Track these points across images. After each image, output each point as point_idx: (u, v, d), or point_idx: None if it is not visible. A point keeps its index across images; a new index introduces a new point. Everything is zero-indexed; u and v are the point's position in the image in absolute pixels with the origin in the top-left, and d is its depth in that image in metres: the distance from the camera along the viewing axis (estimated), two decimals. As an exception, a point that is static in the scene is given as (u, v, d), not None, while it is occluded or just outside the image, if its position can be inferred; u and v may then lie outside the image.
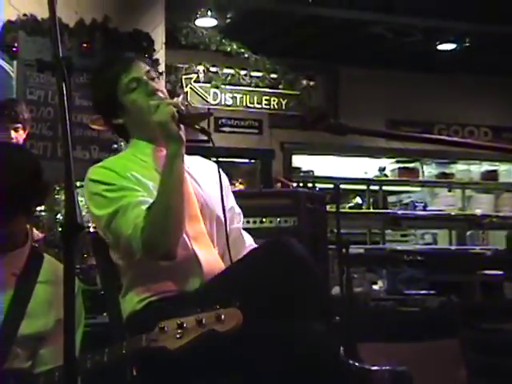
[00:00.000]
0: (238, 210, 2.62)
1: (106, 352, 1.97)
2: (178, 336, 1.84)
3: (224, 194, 2.43)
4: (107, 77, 2.47)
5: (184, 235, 2.29)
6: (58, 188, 3.41)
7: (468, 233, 9.19)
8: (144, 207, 2.22)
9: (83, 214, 3.77)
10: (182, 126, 2.26)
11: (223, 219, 2.41)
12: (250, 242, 2.58)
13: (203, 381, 2.11)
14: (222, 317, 1.83)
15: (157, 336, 1.87)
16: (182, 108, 2.26)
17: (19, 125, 4.47)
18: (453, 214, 9.01)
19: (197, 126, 2.34)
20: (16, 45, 6.32)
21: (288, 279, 2.07)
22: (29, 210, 2.34)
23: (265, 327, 2.01)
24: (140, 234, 2.18)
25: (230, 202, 2.58)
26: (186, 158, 2.39)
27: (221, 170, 2.47)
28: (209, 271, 2.29)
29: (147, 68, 2.46)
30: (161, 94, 2.39)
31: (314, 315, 2.09)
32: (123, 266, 2.39)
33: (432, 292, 6.74)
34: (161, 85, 2.47)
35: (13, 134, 4.42)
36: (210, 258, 2.35)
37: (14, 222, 2.26)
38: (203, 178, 2.52)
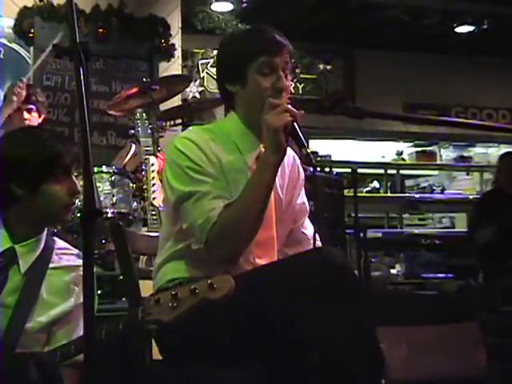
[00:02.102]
0: (306, 205, 2.51)
1: (104, 328, 1.96)
2: (172, 307, 1.83)
3: (297, 191, 2.42)
4: (251, 41, 2.32)
5: None
6: (76, 174, 3.39)
7: (487, 216, 9.14)
8: (222, 202, 2.14)
9: (101, 199, 3.81)
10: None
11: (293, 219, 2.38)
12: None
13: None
14: (215, 285, 1.80)
15: (152, 308, 1.85)
16: (299, 121, 2.12)
17: (32, 106, 4.48)
18: (471, 197, 8.95)
19: (304, 150, 2.12)
20: (32, 31, 6.34)
21: (323, 287, 1.95)
22: None
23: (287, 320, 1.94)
24: (209, 228, 2.11)
25: (301, 197, 2.48)
26: None
27: (300, 168, 2.42)
28: None
29: (288, 59, 2.30)
30: (284, 96, 2.24)
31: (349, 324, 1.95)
32: (170, 240, 2.31)
33: (450, 275, 6.75)
34: (290, 81, 2.31)
35: (25, 114, 4.44)
36: (266, 262, 2.28)
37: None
38: (283, 175, 2.39)
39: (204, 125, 2.50)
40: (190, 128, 2.45)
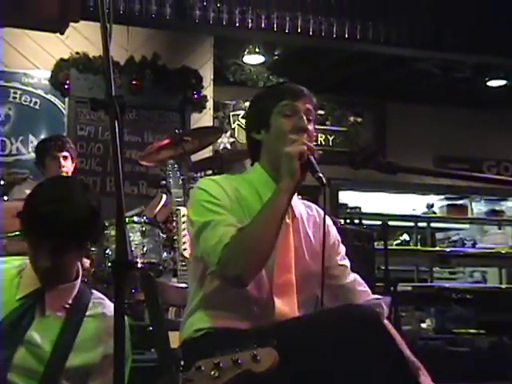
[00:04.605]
0: (347, 263, 2.52)
1: None
2: (214, 376, 1.82)
3: (330, 249, 2.42)
4: (274, 93, 2.47)
5: (267, 282, 2.25)
6: (107, 223, 3.42)
7: (519, 271, 9.04)
8: (234, 229, 2.19)
9: (132, 249, 3.83)
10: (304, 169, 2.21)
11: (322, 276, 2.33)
12: (365, 297, 2.46)
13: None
14: (258, 357, 1.78)
15: (193, 376, 1.84)
16: (316, 156, 2.22)
17: (67, 153, 4.60)
18: (503, 252, 8.86)
19: (316, 174, 2.21)
20: (68, 82, 6.46)
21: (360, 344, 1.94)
22: (83, 247, 2.34)
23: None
24: (221, 249, 2.15)
25: (341, 257, 2.50)
26: (302, 204, 2.41)
27: (327, 223, 2.42)
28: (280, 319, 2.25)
29: (311, 108, 2.39)
30: (305, 136, 2.31)
31: None
32: (195, 288, 2.35)
33: (482, 331, 6.63)
34: (311, 129, 2.37)
35: (62, 161, 4.55)
36: (286, 309, 2.28)
37: (67, 257, 2.29)
38: (312, 230, 2.45)
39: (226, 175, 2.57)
40: (218, 176, 2.51)
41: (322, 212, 2.49)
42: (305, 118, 2.34)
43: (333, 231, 2.52)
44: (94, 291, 2.39)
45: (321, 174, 2.19)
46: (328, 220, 2.49)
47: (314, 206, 2.54)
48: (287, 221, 2.32)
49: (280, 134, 2.33)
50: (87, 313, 2.30)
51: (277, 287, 2.27)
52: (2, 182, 4.26)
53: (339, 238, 2.54)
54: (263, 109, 2.41)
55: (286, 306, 2.29)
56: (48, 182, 2.37)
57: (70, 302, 2.29)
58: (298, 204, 2.45)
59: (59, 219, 2.15)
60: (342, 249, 2.52)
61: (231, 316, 2.24)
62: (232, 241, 2.16)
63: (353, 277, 2.49)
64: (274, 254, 2.23)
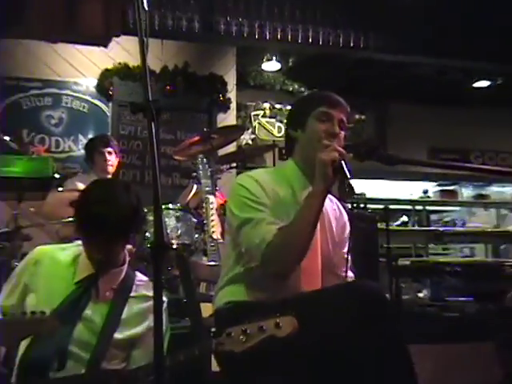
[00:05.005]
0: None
1: (182, 353, 1.96)
2: (242, 341, 1.82)
3: (345, 240, 2.42)
4: (315, 97, 2.43)
5: (297, 270, 2.21)
6: (146, 210, 3.42)
7: (502, 247, 8.96)
8: (275, 227, 2.17)
9: (168, 232, 3.82)
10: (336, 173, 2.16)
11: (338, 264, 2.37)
12: None
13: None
14: (280, 324, 1.81)
15: (224, 340, 1.86)
16: (346, 160, 2.16)
17: (111, 149, 4.60)
18: (489, 230, 8.79)
19: (347, 180, 2.16)
20: (111, 89, 6.47)
21: (364, 315, 1.94)
22: (127, 238, 2.34)
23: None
24: (265, 247, 2.13)
25: (345, 248, 2.46)
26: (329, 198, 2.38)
27: (343, 213, 2.44)
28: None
29: (344, 118, 2.35)
30: (337, 141, 2.28)
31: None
32: (230, 266, 2.33)
33: (470, 299, 6.58)
34: (342, 136, 2.33)
35: (107, 156, 4.55)
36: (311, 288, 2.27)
37: (116, 249, 2.30)
38: (334, 222, 2.44)
39: (257, 168, 2.53)
40: (256, 171, 2.46)
41: (338, 202, 2.48)
42: (337, 125, 2.31)
43: (346, 219, 2.49)
44: (137, 273, 2.41)
45: (351, 181, 2.14)
46: (342, 209, 2.47)
47: (334, 199, 2.50)
48: None
49: (313, 136, 2.31)
50: (131, 294, 2.32)
51: (304, 274, 2.25)
52: (57, 176, 4.26)
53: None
54: (303, 111, 2.39)
55: (311, 287, 2.26)
56: (96, 185, 2.38)
57: (117, 284, 2.32)
58: None
59: (107, 218, 2.18)
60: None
61: (260, 293, 2.23)
62: (274, 240, 2.13)
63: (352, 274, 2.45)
64: None
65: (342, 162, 2.15)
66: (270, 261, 2.14)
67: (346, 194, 2.18)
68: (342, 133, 2.33)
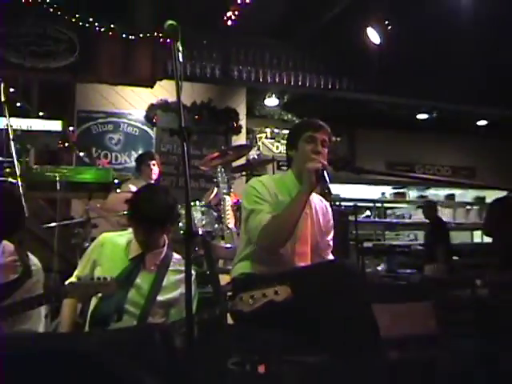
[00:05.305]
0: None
1: (206, 311, 1.95)
2: (250, 303, 1.81)
3: (328, 229, 2.37)
4: (303, 124, 2.37)
5: (291, 251, 2.20)
6: (179, 206, 3.41)
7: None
8: (270, 216, 2.17)
9: (195, 222, 3.81)
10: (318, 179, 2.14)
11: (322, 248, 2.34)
12: None
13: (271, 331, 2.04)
14: (278, 291, 1.80)
15: (237, 303, 1.84)
16: (328, 172, 2.14)
17: (154, 161, 4.60)
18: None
19: (326, 185, 2.13)
20: (155, 118, 6.47)
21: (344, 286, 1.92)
22: (165, 229, 2.34)
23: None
24: (260, 229, 2.14)
25: (330, 237, 2.41)
26: (317, 197, 2.35)
27: (328, 208, 2.40)
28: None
29: (326, 138, 2.30)
30: (320, 157, 2.23)
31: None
32: (242, 248, 2.29)
33: (415, 271, 6.57)
34: (325, 151, 2.27)
35: (152, 167, 4.56)
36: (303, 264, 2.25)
37: (156, 235, 2.31)
38: (321, 216, 2.38)
39: (261, 176, 2.51)
40: (263, 176, 2.45)
41: (326, 203, 2.44)
42: (320, 145, 2.27)
43: (331, 215, 2.44)
44: (174, 253, 2.40)
45: (329, 186, 2.12)
46: (329, 208, 2.43)
47: (324, 200, 2.46)
48: (307, 211, 2.26)
49: (303, 155, 2.28)
50: (169, 268, 2.33)
51: (297, 254, 2.23)
52: (116, 181, 4.26)
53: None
54: (294, 136, 2.35)
55: (304, 263, 2.23)
56: (144, 189, 2.38)
57: (159, 260, 2.32)
58: (315, 198, 2.38)
59: (150, 213, 2.19)
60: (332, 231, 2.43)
61: (264, 267, 2.21)
62: (267, 224, 2.13)
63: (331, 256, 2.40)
64: (297, 233, 2.19)
65: (324, 171, 2.14)
66: (263, 239, 2.13)
67: (325, 195, 2.18)
68: (325, 149, 2.29)
